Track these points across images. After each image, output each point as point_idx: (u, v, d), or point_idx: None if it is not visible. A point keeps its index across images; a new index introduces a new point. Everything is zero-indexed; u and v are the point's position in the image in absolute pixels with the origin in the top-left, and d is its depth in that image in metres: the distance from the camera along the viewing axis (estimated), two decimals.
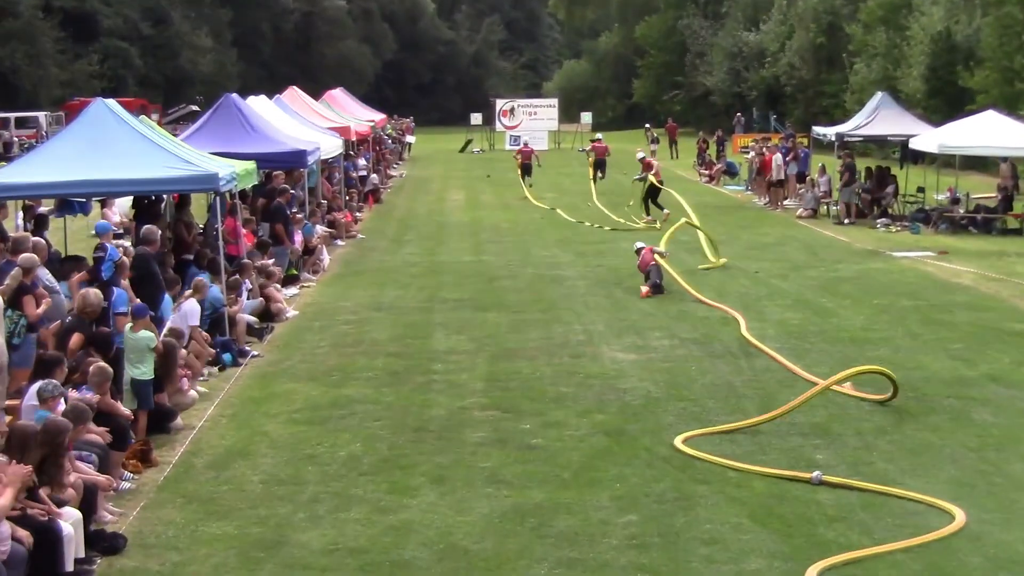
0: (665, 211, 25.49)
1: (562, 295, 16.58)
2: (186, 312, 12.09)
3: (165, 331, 11.10)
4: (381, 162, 36.91)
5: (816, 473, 8.51)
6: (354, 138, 30.95)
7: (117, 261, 11.94)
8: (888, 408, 10.45)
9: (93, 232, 14.90)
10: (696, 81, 65.64)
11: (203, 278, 12.89)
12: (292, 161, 19.01)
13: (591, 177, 36.76)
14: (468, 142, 53.01)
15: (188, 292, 12.64)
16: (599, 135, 43.94)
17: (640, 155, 27.13)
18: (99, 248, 12.43)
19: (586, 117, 56.42)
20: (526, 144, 40.26)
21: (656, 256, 16.76)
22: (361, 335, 13.91)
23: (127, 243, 14.09)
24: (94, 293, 10.24)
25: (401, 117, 56.66)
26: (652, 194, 25.60)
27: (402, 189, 35.47)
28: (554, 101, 56.18)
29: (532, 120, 53.89)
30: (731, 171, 35.62)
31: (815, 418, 10.19)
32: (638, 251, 17.09)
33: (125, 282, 11.80)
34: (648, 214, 25.56)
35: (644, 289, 16.23)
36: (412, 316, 15.11)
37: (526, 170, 36.84)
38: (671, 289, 16.48)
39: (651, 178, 25.82)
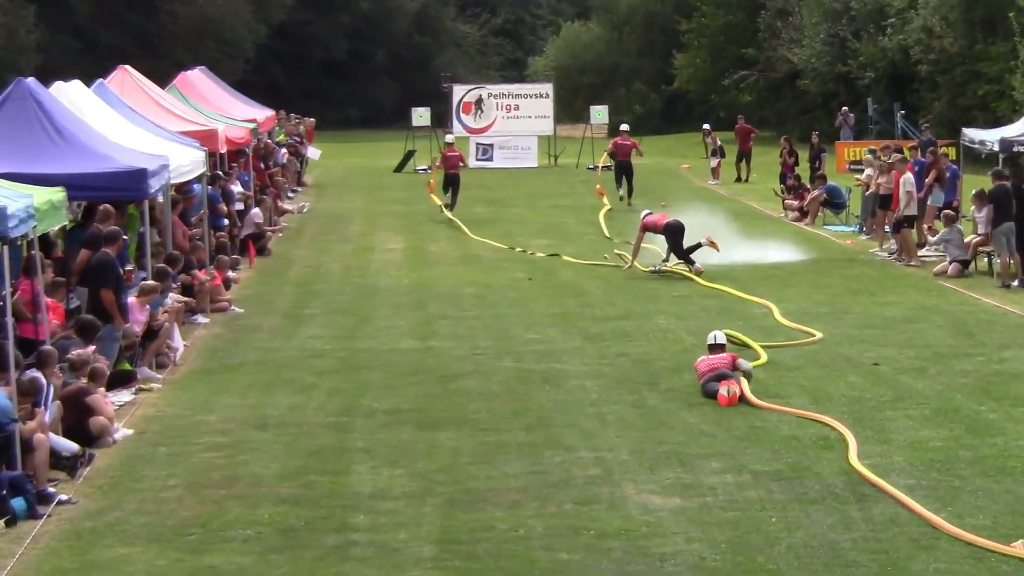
0: (696, 265, 26.81)
1: (561, 403, 16.73)
2: None
3: None
4: (268, 188, 37.25)
5: None
6: (224, 149, 31.27)
7: None
8: None
9: None
10: (776, 56, 66.61)
11: None
12: (125, 187, 19.17)
13: (611, 190, 37.61)
14: (409, 155, 53.54)
15: None
16: (625, 126, 44.64)
17: (645, 213, 27.72)
18: None
19: (599, 113, 57.15)
20: (450, 146, 41.07)
21: (741, 371, 16.98)
22: (235, 468, 14.00)
23: None
24: None
25: (299, 115, 57.19)
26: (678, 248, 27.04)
27: (302, 232, 35.73)
28: (547, 87, 56.91)
29: (512, 118, 54.55)
30: (834, 201, 36.13)
31: None
32: (714, 347, 17.30)
33: None
34: (690, 264, 26.87)
35: (724, 393, 16.37)
36: (318, 438, 15.21)
37: (452, 184, 38.28)
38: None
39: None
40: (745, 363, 17.41)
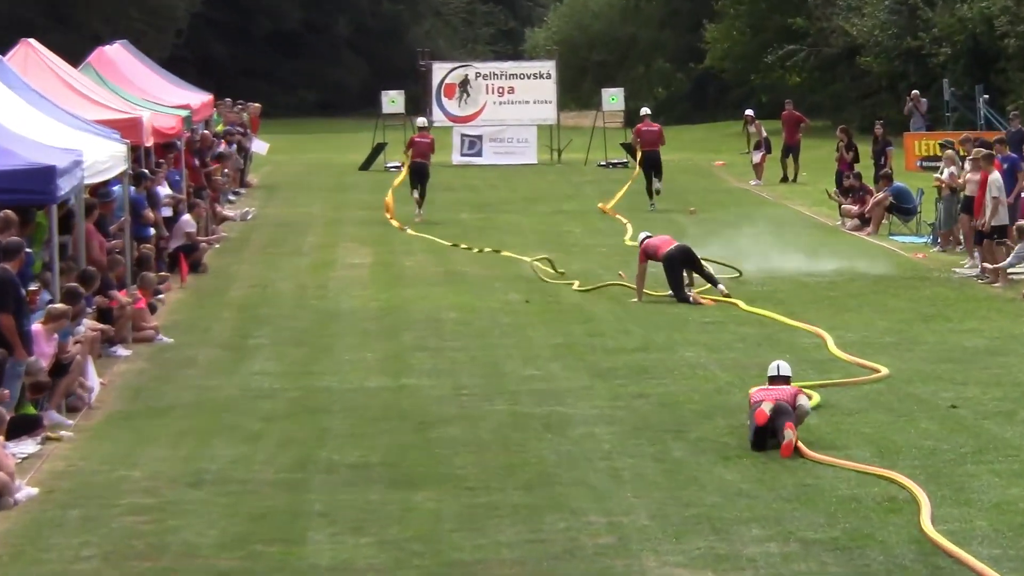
0: (721, 287, 27.01)
1: (565, 455, 16.73)
2: None
3: None
4: (204, 190, 37.27)
5: None
6: (150, 142, 31.31)
7: None
8: None
9: None
10: (831, 27, 66.71)
11: None
12: (29, 188, 19.19)
13: (643, 184, 38.75)
14: (378, 149, 53.60)
15: None
16: (646, 110, 44.89)
17: (643, 236, 27.64)
18: None
19: (613, 98, 57.18)
20: (423, 131, 41.73)
21: (801, 402, 17.01)
22: (164, 536, 13.98)
23: None
24: None
25: (242, 100, 57.10)
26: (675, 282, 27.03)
27: (246, 243, 35.74)
28: (549, 66, 56.95)
29: (506, 104, 54.61)
30: (902, 206, 36.17)
31: None
32: (777, 380, 17.37)
33: None
34: (716, 284, 27.11)
35: (766, 410, 16.44)
36: (266, 498, 15.20)
37: (419, 176, 39.27)
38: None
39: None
40: (806, 401, 17.37)
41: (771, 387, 17.30)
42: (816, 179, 45.42)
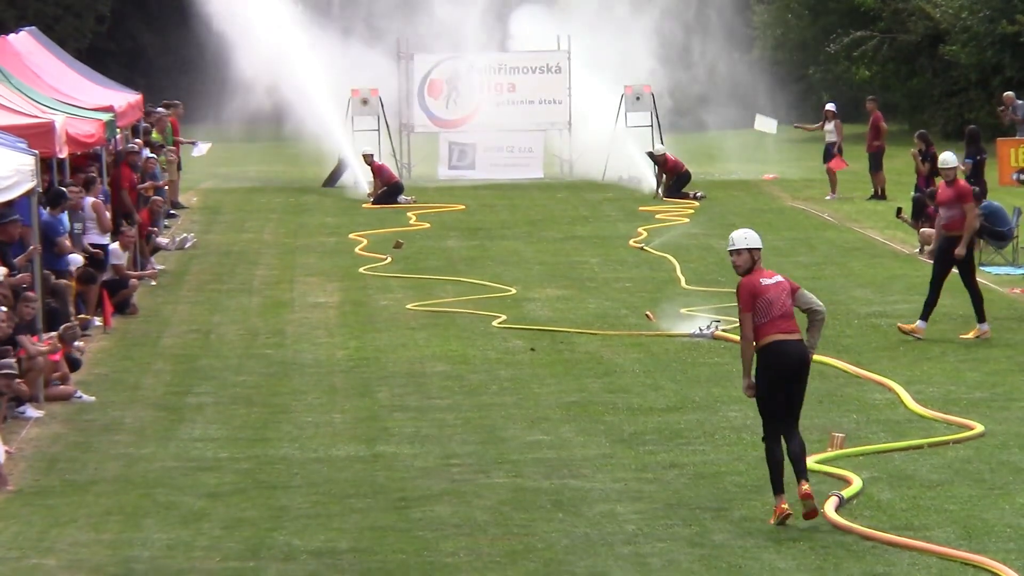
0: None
1: (580, 539, 16.83)
2: None
3: None
4: (131, 214, 37.22)
5: None
6: (64, 154, 31.36)
7: None
8: None
9: None
10: (908, 9, 66.71)
11: None
12: None
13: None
14: (341, 163, 53.43)
15: None
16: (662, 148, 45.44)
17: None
18: None
19: (638, 95, 56.93)
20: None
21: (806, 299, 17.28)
22: None
23: None
24: None
25: (169, 100, 56.75)
26: None
27: (182, 278, 35.79)
28: (560, 57, 56.54)
29: (505, 105, 54.43)
30: (996, 229, 36.11)
31: None
32: (741, 254, 17.45)
33: None
34: None
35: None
36: None
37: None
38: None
39: None
40: (813, 299, 17.39)
41: (767, 281, 17.26)
42: (891, 195, 45.30)
